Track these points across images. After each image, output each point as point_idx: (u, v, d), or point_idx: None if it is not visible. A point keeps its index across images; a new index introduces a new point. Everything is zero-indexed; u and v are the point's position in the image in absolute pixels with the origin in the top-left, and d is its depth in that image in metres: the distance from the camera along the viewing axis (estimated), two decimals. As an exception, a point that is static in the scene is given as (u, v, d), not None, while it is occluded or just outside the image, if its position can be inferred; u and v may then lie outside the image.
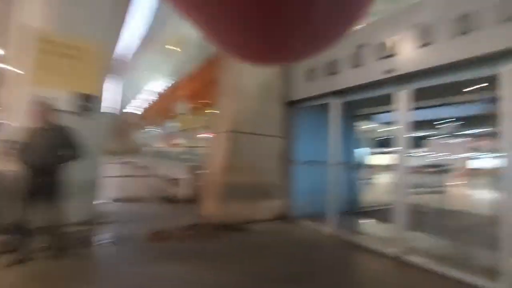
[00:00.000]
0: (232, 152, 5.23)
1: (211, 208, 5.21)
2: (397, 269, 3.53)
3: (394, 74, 3.83)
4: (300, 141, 5.80)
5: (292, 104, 5.78)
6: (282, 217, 5.53)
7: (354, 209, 6.27)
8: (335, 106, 4.92)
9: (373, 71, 4.10)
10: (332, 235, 4.64)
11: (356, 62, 4.34)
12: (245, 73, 5.40)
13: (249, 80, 5.51)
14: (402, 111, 3.88)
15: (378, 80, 4.05)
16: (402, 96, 3.88)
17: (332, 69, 4.75)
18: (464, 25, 3.16)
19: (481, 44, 3.06)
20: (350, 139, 6.55)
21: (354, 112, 6.54)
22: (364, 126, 8.28)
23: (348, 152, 6.39)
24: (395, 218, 3.84)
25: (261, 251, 3.97)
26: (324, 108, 5.21)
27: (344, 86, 4.61)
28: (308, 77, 5.27)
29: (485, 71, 3.15)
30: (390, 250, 3.82)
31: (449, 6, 3.32)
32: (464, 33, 3.17)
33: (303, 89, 5.44)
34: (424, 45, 3.53)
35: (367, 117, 7.92)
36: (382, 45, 3.98)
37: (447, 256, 3.68)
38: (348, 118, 6.57)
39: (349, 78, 4.48)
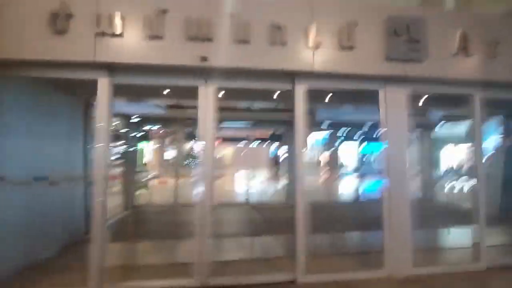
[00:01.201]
0: None
1: None
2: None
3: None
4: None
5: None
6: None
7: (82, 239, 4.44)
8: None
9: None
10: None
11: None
12: None
13: None
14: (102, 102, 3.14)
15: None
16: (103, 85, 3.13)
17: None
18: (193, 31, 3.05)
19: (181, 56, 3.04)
20: (87, 139, 4.55)
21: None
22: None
23: (87, 156, 4.41)
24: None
25: None
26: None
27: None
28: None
29: (190, 82, 3.29)
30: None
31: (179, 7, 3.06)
32: (192, 39, 3.02)
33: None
34: (152, 37, 3.00)
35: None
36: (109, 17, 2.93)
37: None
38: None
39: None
